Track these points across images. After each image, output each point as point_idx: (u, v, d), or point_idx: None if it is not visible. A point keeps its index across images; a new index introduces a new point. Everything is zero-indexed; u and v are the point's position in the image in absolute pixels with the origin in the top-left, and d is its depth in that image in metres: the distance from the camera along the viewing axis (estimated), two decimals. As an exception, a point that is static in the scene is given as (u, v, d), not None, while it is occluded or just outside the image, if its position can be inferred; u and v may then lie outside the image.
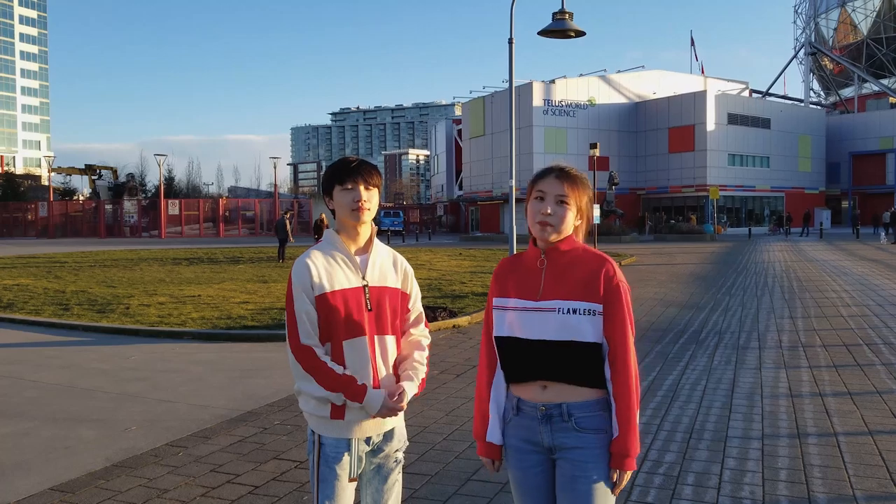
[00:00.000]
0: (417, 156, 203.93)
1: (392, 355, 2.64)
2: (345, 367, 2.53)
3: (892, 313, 11.79)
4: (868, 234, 43.67)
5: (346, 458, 2.55)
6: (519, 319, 2.37)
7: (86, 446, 5.42)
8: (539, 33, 15.27)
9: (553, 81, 56.94)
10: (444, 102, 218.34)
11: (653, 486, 4.47)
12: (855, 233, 43.89)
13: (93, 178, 69.87)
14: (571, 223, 2.37)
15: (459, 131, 69.07)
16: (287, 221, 26.41)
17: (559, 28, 14.96)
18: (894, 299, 13.62)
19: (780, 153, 60.74)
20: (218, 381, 7.61)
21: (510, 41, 15.67)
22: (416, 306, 2.79)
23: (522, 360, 2.37)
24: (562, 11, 14.95)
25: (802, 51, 76.87)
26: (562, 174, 2.37)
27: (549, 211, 2.33)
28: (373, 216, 2.62)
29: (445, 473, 4.73)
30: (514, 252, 15.93)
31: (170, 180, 73.87)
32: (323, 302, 2.51)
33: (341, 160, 2.65)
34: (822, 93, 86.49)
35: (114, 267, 23.08)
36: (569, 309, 2.29)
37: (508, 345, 2.39)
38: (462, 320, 11.25)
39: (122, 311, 12.36)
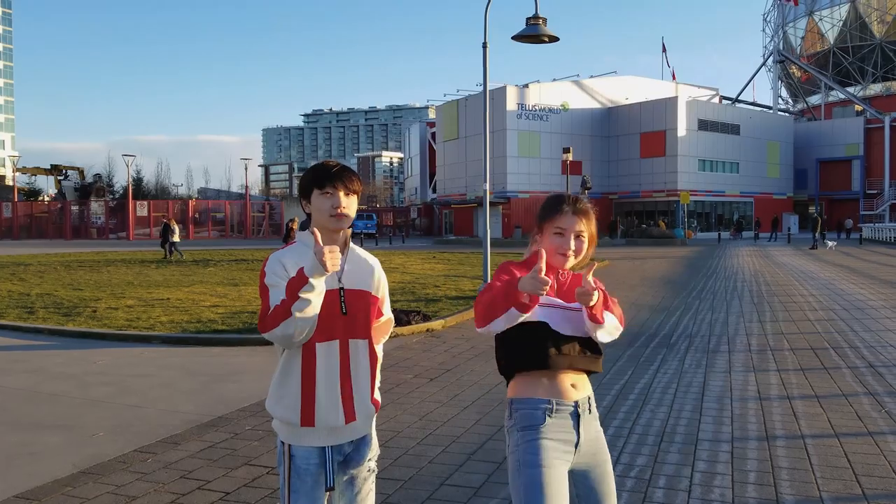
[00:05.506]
0: (391, 158, 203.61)
1: (363, 359, 2.58)
2: (315, 371, 2.48)
3: (857, 317, 12.00)
4: (833, 239, 44.35)
5: (319, 467, 2.50)
6: (548, 314, 2.51)
7: (52, 452, 5.32)
8: (513, 38, 15.31)
9: (527, 86, 57.23)
10: (417, 105, 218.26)
11: (624, 489, 4.50)
12: (821, 238, 44.55)
13: (59, 178, 68.77)
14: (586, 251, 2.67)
15: (433, 134, 69.07)
16: (169, 227, 29.28)
17: (533, 33, 15.02)
18: (859, 303, 13.86)
19: (749, 159, 61.63)
20: (188, 385, 7.52)
21: (484, 45, 15.71)
22: (388, 311, 2.78)
23: (558, 351, 2.51)
24: (535, 16, 14.99)
25: (771, 58, 78.02)
26: (577, 210, 2.60)
27: (572, 247, 2.59)
28: (351, 222, 2.57)
29: (419, 478, 4.71)
30: (489, 253, 15.91)
31: (138, 181, 73.02)
32: None
33: (322, 164, 2.58)
34: (789, 100, 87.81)
35: (80, 269, 22.71)
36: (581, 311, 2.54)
37: (545, 331, 2.50)
38: (436, 324, 11.23)
39: (89, 314, 12.17)
